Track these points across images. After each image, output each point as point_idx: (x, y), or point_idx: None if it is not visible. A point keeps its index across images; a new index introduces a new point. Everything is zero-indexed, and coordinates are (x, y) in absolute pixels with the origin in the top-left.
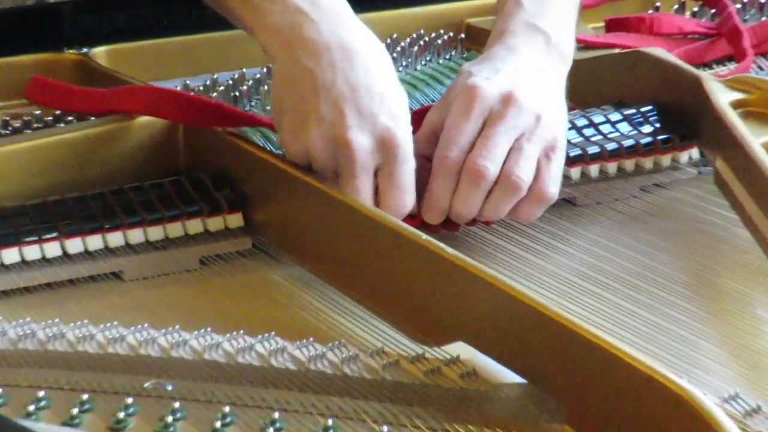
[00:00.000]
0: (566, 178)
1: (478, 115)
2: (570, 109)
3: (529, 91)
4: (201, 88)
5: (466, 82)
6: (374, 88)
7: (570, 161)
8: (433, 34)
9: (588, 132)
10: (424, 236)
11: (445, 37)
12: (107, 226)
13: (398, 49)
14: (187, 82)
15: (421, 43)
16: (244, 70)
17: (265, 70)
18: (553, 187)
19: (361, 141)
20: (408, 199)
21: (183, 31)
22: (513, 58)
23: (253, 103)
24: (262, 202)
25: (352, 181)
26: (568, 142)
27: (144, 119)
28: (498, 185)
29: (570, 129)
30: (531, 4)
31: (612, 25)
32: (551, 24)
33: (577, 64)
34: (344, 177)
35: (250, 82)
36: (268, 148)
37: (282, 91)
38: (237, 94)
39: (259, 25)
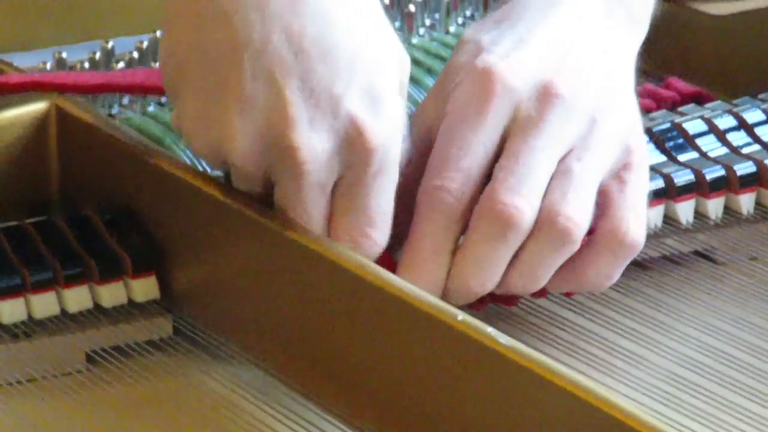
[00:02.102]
0: (699, 216)
1: (494, 120)
2: (700, 98)
3: (578, 76)
4: (86, 64)
5: (474, 61)
6: (338, 46)
7: (707, 187)
8: None
9: (736, 137)
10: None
11: None
12: None
13: None
14: (63, 54)
15: None
16: (158, 33)
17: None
18: (635, 226)
19: (314, 143)
20: (378, 230)
21: None
22: (549, 20)
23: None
24: (188, 256)
25: (298, 202)
26: (703, 155)
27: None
28: (535, 234)
29: (703, 134)
30: None
31: None
32: None
33: (707, 24)
34: (284, 193)
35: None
36: (200, 168)
37: (179, 46)
38: None
39: None
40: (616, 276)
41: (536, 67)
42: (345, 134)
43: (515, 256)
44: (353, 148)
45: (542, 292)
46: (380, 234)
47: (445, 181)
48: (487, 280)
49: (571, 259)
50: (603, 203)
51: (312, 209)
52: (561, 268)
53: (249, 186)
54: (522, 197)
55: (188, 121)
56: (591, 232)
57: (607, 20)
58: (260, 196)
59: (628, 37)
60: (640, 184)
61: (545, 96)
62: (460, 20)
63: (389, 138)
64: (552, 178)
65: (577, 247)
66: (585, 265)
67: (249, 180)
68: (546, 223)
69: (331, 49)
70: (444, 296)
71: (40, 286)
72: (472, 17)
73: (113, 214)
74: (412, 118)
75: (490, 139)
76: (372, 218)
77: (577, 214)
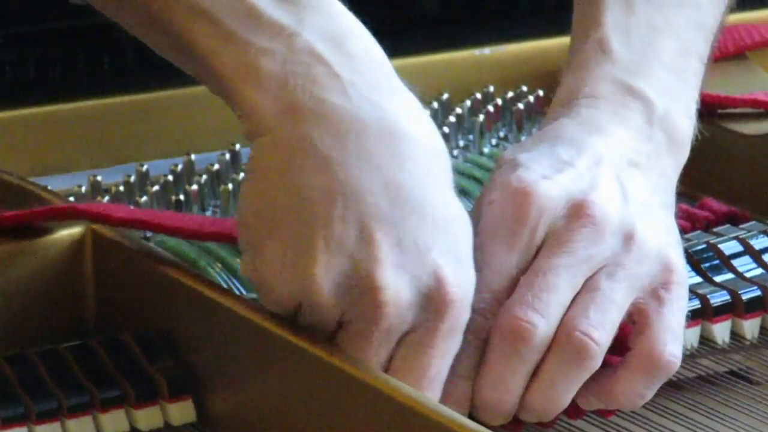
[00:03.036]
0: (735, 336)
1: (527, 241)
2: (735, 218)
3: (612, 196)
4: (121, 188)
5: (510, 179)
6: (428, 203)
7: (743, 308)
8: (511, 93)
9: None
10: None
11: (531, 97)
12: None
13: (451, 118)
14: (98, 177)
15: (491, 108)
16: (193, 156)
17: (228, 156)
18: (672, 346)
19: (399, 287)
20: (435, 386)
21: (81, 91)
22: (590, 143)
23: (207, 213)
24: (226, 380)
25: (366, 346)
26: (739, 275)
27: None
28: (553, 349)
29: (739, 254)
30: (626, 50)
31: None
32: (657, 85)
33: (740, 143)
34: (354, 335)
35: (204, 177)
36: (236, 291)
37: (269, 189)
38: (180, 197)
39: (237, 69)
40: (650, 395)
41: (571, 187)
42: (427, 286)
43: (534, 374)
44: (433, 301)
45: (579, 413)
46: (435, 397)
47: (478, 303)
48: (505, 396)
49: (605, 377)
50: (639, 322)
51: (376, 356)
52: (594, 385)
53: (316, 326)
54: (536, 312)
55: (268, 265)
56: (627, 350)
57: (648, 144)
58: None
59: (668, 159)
60: (679, 304)
61: (575, 215)
62: (493, 141)
63: (466, 296)
64: (577, 295)
65: (597, 364)
66: (619, 383)
67: (319, 323)
68: (563, 338)
69: (423, 204)
70: (473, 415)
71: (77, 410)
72: (506, 138)
73: (149, 337)
74: None
75: (523, 259)
76: (430, 382)
77: (596, 331)
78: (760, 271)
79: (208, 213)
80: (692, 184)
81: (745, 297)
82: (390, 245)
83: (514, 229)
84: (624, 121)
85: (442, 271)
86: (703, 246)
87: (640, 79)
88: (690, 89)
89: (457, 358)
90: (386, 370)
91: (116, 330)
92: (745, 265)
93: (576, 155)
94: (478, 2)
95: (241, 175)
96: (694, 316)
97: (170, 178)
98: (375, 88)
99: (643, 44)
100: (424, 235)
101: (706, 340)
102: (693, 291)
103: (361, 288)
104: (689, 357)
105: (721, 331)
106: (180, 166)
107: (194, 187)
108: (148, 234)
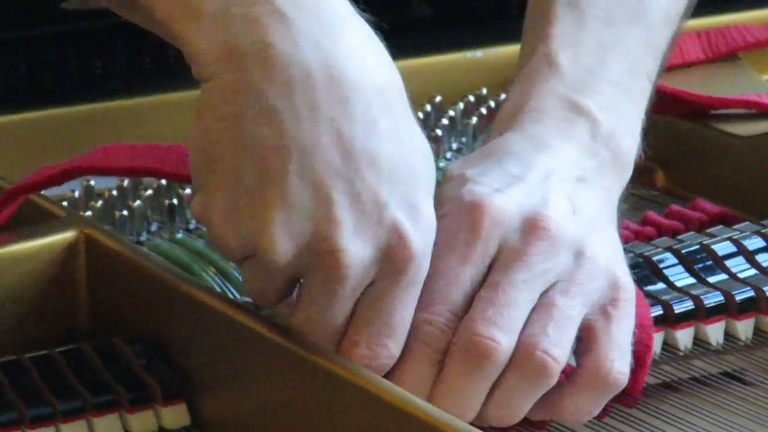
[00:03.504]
0: (729, 337)
1: (482, 253)
2: (727, 219)
3: (564, 211)
4: (114, 192)
5: (462, 193)
6: (381, 152)
7: (736, 309)
8: (504, 96)
9: (764, 258)
10: None
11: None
12: None
13: (444, 121)
14: (91, 182)
15: (484, 110)
16: None
17: None
18: (619, 363)
19: (357, 248)
20: (396, 342)
21: (74, 95)
22: (537, 158)
23: None
24: (219, 384)
25: (327, 306)
26: (732, 276)
27: (31, 245)
28: (512, 366)
29: (732, 255)
30: (573, 66)
31: None
32: (603, 103)
33: (733, 145)
34: (313, 295)
35: None
36: (229, 294)
37: (215, 137)
38: (174, 201)
39: (178, 9)
40: (596, 412)
41: (523, 201)
42: (386, 242)
43: (493, 388)
44: (393, 257)
45: (545, 423)
46: (397, 346)
47: (433, 316)
48: (465, 410)
49: (552, 392)
50: (587, 338)
51: (338, 315)
52: (541, 399)
53: (267, 285)
54: (499, 329)
55: (217, 212)
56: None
57: (593, 160)
58: (272, 298)
59: (612, 176)
60: (626, 321)
61: (530, 229)
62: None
63: (426, 248)
64: (533, 311)
65: (554, 381)
66: (566, 399)
67: (272, 278)
68: (523, 355)
69: (377, 156)
70: None
71: (71, 415)
72: None
73: (143, 341)
74: None
75: (478, 271)
76: (394, 329)
77: (555, 349)
78: (753, 271)
79: None
80: (685, 185)
81: (738, 298)
82: (347, 204)
83: (468, 241)
84: (569, 137)
85: (401, 227)
86: (697, 247)
87: (586, 95)
88: (637, 108)
89: (413, 372)
90: (349, 322)
91: (109, 334)
92: (738, 265)
93: (525, 170)
94: (470, 5)
95: None
96: (687, 318)
97: (163, 182)
98: (319, 25)
99: (591, 60)
100: (380, 189)
101: (699, 341)
102: (686, 292)
103: (321, 250)
104: (683, 358)
105: (714, 332)
106: None
107: (187, 191)
108: (142, 238)
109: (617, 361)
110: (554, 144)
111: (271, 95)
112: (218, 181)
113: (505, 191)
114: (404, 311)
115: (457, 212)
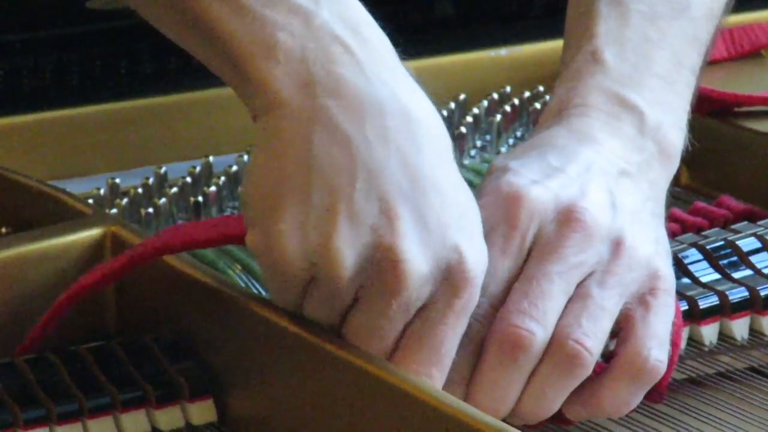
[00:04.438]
0: (753, 332)
1: (519, 245)
2: (752, 215)
3: (604, 205)
4: (140, 190)
5: (500, 184)
6: (443, 185)
7: (761, 304)
8: (528, 94)
9: None
10: None
11: (548, 97)
12: None
13: (468, 119)
14: (116, 180)
15: (508, 108)
16: (211, 158)
17: (246, 158)
18: (656, 351)
19: (421, 262)
20: (441, 373)
21: (99, 95)
22: (581, 151)
23: (226, 214)
24: (246, 380)
25: (380, 320)
26: (757, 272)
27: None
28: (546, 357)
29: (757, 251)
30: (619, 61)
31: None
32: (649, 97)
33: (756, 141)
34: (374, 308)
35: (222, 179)
36: (255, 291)
37: (284, 161)
38: (199, 199)
39: (252, 42)
40: (635, 402)
41: (560, 192)
42: (447, 262)
43: (527, 380)
44: (451, 278)
45: (566, 421)
46: (441, 377)
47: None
48: (500, 403)
49: (590, 383)
50: (625, 328)
51: (390, 330)
52: (579, 392)
53: (328, 302)
54: (534, 320)
55: (283, 232)
56: (613, 355)
57: (639, 154)
58: (335, 319)
59: (658, 170)
60: (665, 311)
61: (566, 221)
62: (510, 141)
63: (480, 277)
64: (569, 301)
65: (588, 371)
66: (604, 389)
67: (332, 298)
68: (557, 346)
69: (441, 185)
70: None
71: (98, 412)
72: (523, 138)
73: (169, 338)
74: None
75: (515, 263)
76: (441, 359)
77: (589, 339)
78: None
79: (226, 214)
80: (710, 182)
81: (763, 293)
82: (412, 220)
83: (506, 234)
84: (615, 131)
85: (462, 247)
86: (721, 243)
87: (632, 90)
88: (682, 101)
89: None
90: (397, 344)
91: (136, 331)
92: (763, 261)
93: (566, 162)
94: (494, 3)
95: None
96: (713, 313)
97: (188, 180)
98: (387, 71)
99: (636, 55)
100: (443, 213)
101: (724, 336)
102: (712, 288)
103: (383, 261)
104: (708, 354)
105: (739, 327)
106: (198, 169)
107: (212, 189)
108: None
109: (655, 348)
110: (599, 137)
111: (343, 121)
112: (285, 203)
113: (542, 182)
114: (453, 341)
115: (495, 204)
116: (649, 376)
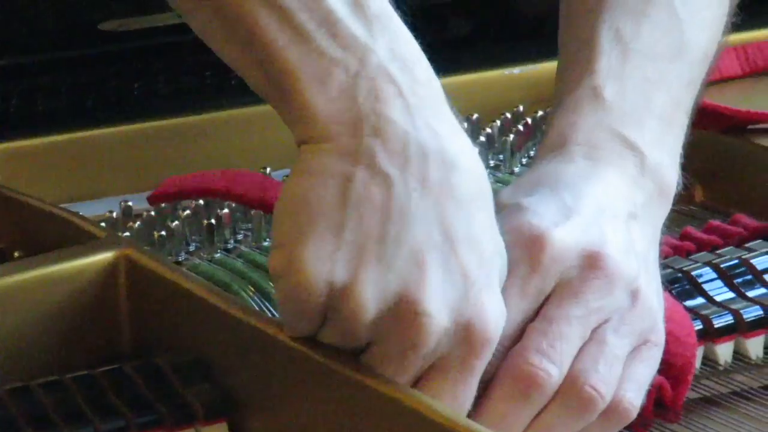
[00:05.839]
0: (741, 357)
1: (538, 287)
2: (767, 233)
3: (625, 252)
4: (152, 212)
5: (521, 224)
6: (476, 238)
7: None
8: (541, 113)
9: None
10: None
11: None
12: None
13: (481, 138)
14: (129, 203)
15: (521, 127)
16: None
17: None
18: (632, 395)
19: (440, 319)
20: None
21: (112, 116)
22: (590, 191)
23: (239, 237)
24: (261, 403)
25: (401, 369)
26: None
27: (71, 265)
28: (558, 398)
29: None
30: (619, 100)
31: None
32: (649, 137)
33: None
34: (390, 357)
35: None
36: (269, 314)
37: (321, 190)
38: (212, 222)
39: (307, 72)
40: None
41: (580, 237)
42: (468, 319)
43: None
44: (471, 336)
45: None
46: None
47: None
48: None
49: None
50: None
51: (402, 377)
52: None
53: (342, 338)
54: (551, 361)
55: (309, 262)
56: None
57: (641, 194)
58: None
59: (657, 210)
60: (651, 363)
61: (588, 267)
62: (524, 160)
63: (498, 336)
64: (584, 345)
65: (595, 416)
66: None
67: (347, 336)
68: (572, 389)
69: (472, 242)
70: None
71: None
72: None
73: (184, 361)
74: None
75: (531, 306)
76: (456, 409)
77: (603, 386)
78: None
79: (240, 237)
80: (724, 200)
81: None
82: (440, 273)
83: (526, 276)
84: (620, 171)
85: (485, 306)
86: (736, 261)
87: (633, 129)
88: (677, 143)
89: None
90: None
91: (151, 354)
92: None
93: (578, 201)
94: (507, 22)
95: None
96: (727, 332)
97: (201, 202)
98: (435, 116)
99: (636, 95)
100: (471, 270)
101: (739, 355)
102: (726, 306)
103: (406, 312)
104: (723, 373)
105: (754, 346)
106: None
107: (225, 210)
108: (180, 258)
109: (630, 392)
110: (605, 177)
111: (386, 163)
112: (317, 231)
113: (563, 225)
114: (467, 393)
115: (517, 245)
116: (620, 416)
